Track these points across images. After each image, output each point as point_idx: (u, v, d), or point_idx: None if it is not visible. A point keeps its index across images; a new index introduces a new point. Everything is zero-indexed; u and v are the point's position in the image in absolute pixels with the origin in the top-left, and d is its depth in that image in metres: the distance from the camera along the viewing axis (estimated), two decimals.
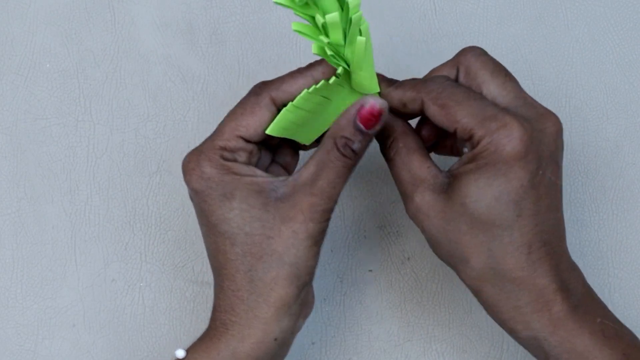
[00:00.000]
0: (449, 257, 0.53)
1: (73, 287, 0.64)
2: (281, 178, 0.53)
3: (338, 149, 0.52)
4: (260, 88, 0.53)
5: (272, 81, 0.53)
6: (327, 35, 0.50)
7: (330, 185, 0.52)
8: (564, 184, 0.63)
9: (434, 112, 0.51)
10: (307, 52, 0.64)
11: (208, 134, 0.54)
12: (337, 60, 0.51)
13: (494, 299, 0.52)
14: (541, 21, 0.65)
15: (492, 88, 0.52)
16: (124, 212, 0.64)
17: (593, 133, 0.64)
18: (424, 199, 0.52)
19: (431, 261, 0.64)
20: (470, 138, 0.51)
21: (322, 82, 0.51)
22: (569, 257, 0.53)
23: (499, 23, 0.65)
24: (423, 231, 0.53)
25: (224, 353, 0.52)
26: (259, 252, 0.52)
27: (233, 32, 0.66)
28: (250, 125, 0.53)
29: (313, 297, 0.56)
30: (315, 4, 0.49)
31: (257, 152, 0.54)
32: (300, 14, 0.50)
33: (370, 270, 0.64)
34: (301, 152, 0.58)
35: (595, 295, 0.54)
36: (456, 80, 0.53)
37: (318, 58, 0.53)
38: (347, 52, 0.51)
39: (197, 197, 0.53)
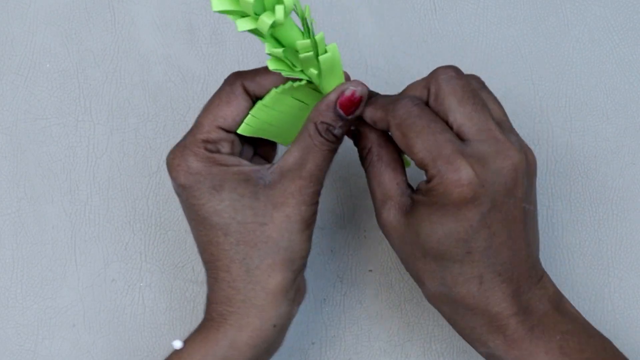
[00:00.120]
0: (410, 273, 0.54)
1: (73, 287, 0.64)
2: (266, 166, 0.53)
3: (321, 134, 0.52)
4: (234, 78, 0.54)
5: (246, 72, 0.54)
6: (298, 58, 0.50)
7: (317, 168, 0.53)
8: (563, 184, 0.63)
9: (397, 137, 0.52)
10: None
11: None
12: (297, 74, 0.51)
13: (450, 318, 0.54)
14: (541, 21, 0.65)
15: (457, 117, 0.51)
16: (124, 212, 0.64)
17: (593, 133, 0.64)
18: (389, 216, 0.53)
19: None
20: (425, 170, 0.51)
21: (288, 83, 0.52)
22: (536, 273, 0.53)
23: (499, 23, 0.65)
24: (390, 244, 0.54)
25: (222, 343, 0.52)
26: (253, 239, 0.52)
27: (233, 32, 0.66)
28: (228, 115, 0.53)
29: (305, 284, 0.56)
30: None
31: (239, 143, 0.54)
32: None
33: (370, 270, 0.64)
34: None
35: (564, 308, 0.54)
36: (427, 101, 0.53)
37: None
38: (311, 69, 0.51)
39: (185, 193, 0.53)
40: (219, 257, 0.53)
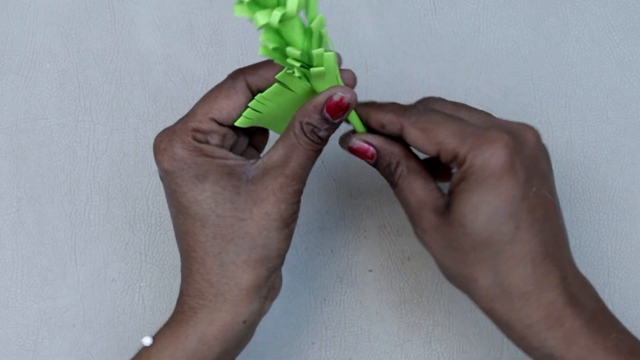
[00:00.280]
0: (458, 278, 0.53)
1: (73, 287, 0.64)
2: (251, 161, 0.53)
3: (305, 134, 0.52)
4: (237, 73, 0.54)
5: (249, 67, 0.54)
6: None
7: (300, 167, 0.52)
8: (563, 184, 0.63)
9: (415, 135, 0.52)
10: None
11: None
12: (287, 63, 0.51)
13: (506, 318, 0.52)
14: (541, 21, 0.65)
15: (461, 115, 0.53)
16: (124, 212, 0.64)
17: (593, 133, 0.64)
18: (430, 222, 0.52)
19: (431, 261, 0.63)
20: (455, 158, 0.51)
21: (283, 72, 0.52)
22: (577, 271, 0.53)
23: (499, 23, 0.65)
24: (431, 254, 0.53)
25: (191, 337, 0.52)
26: (230, 234, 0.52)
27: (233, 32, 0.66)
28: (224, 108, 0.53)
29: (281, 281, 0.56)
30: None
31: (233, 136, 0.54)
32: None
33: (370, 270, 0.64)
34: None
35: (609, 310, 0.53)
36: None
37: None
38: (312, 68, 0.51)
39: (168, 178, 0.53)
40: (195, 249, 0.53)
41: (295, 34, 0.49)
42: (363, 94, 0.64)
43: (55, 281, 0.64)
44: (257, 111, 0.53)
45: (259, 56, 0.66)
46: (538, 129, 0.53)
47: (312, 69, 0.50)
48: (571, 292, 0.51)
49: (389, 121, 0.53)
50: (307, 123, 0.52)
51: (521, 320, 0.51)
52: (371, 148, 0.54)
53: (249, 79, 0.53)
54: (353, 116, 0.54)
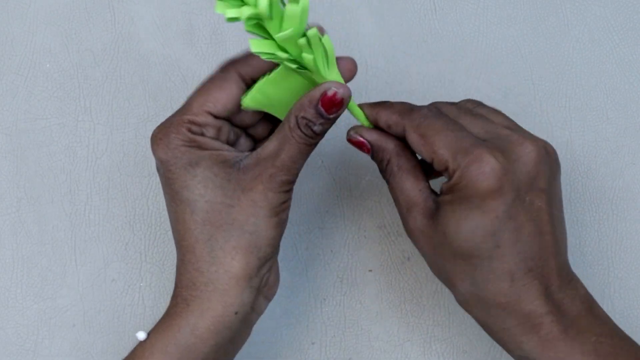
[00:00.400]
0: (440, 278, 0.54)
1: (73, 287, 0.64)
2: (245, 153, 0.54)
3: (300, 128, 0.52)
4: (228, 65, 0.54)
5: (240, 57, 0.54)
6: (285, 51, 0.51)
7: (291, 160, 0.53)
8: (563, 184, 0.63)
9: (414, 140, 0.53)
10: None
11: None
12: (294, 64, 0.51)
13: (483, 321, 0.53)
14: (541, 21, 0.65)
15: (465, 123, 0.53)
16: (124, 212, 0.64)
17: (593, 133, 0.64)
18: (416, 222, 0.53)
19: None
20: (446, 169, 0.51)
21: (282, 66, 0.52)
22: (567, 273, 0.53)
23: (499, 23, 0.65)
24: (419, 251, 0.54)
25: (184, 330, 0.52)
26: (219, 220, 0.52)
27: (233, 32, 0.66)
28: (219, 100, 0.53)
29: (277, 279, 0.56)
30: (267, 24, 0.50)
31: (228, 130, 0.55)
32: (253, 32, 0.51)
33: (370, 270, 0.64)
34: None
35: (596, 310, 0.53)
36: None
37: None
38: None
39: (163, 167, 0.53)
40: (185, 236, 0.53)
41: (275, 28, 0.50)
42: (363, 94, 0.64)
43: (55, 281, 0.64)
44: (263, 92, 0.53)
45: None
46: (543, 141, 0.53)
47: (303, 54, 0.51)
48: (553, 301, 0.52)
49: (394, 122, 0.54)
50: (302, 117, 0.52)
51: (497, 324, 0.52)
52: (366, 142, 0.54)
53: (240, 69, 0.53)
54: (358, 112, 0.55)
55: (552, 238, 0.52)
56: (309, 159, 0.54)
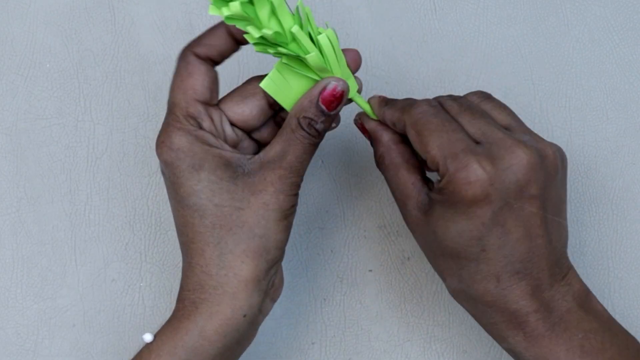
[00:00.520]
0: (434, 269, 0.55)
1: (73, 287, 0.64)
2: (247, 156, 0.54)
3: (303, 128, 0.53)
4: (183, 52, 0.54)
5: (192, 41, 0.54)
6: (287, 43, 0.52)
7: (298, 160, 0.53)
8: None
9: (412, 137, 0.53)
10: None
11: None
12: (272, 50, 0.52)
13: (472, 313, 0.55)
14: (541, 21, 0.65)
15: (464, 122, 0.53)
16: (124, 212, 0.64)
17: (593, 133, 0.64)
18: (411, 215, 0.54)
19: None
20: (437, 169, 0.52)
21: (285, 59, 0.53)
22: (559, 270, 0.53)
23: (499, 23, 0.65)
24: (415, 241, 0.56)
25: (192, 332, 0.52)
26: (229, 224, 0.52)
27: None
28: (196, 85, 0.53)
29: (282, 280, 0.56)
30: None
31: (222, 119, 0.54)
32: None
33: (370, 270, 0.64)
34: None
35: (591, 303, 0.53)
36: None
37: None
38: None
39: (167, 170, 0.53)
40: (194, 240, 0.53)
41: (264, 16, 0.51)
42: (363, 94, 0.64)
43: (55, 281, 0.64)
44: (281, 74, 0.53)
45: (258, 56, 0.66)
46: (541, 148, 0.52)
47: (307, 56, 0.51)
48: (541, 299, 0.52)
49: (397, 119, 0.54)
50: (304, 117, 0.53)
51: (484, 318, 0.53)
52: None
53: (197, 51, 0.53)
54: (365, 105, 0.55)
55: (545, 240, 0.52)
56: None
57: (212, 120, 0.54)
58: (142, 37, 0.66)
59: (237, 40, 0.54)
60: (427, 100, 0.54)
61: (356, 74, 0.55)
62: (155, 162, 0.65)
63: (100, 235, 0.64)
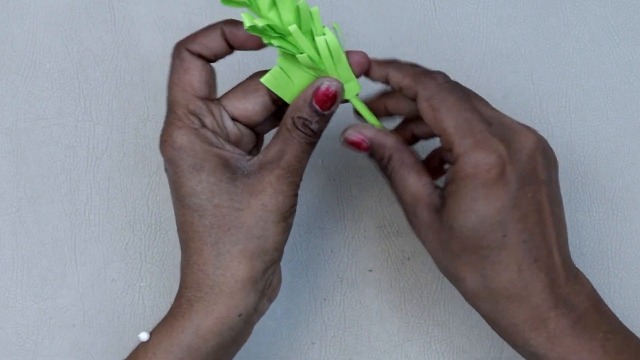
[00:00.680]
0: (448, 274, 0.54)
1: (73, 287, 0.64)
2: (247, 157, 0.54)
3: (298, 128, 0.53)
4: (177, 48, 0.54)
5: (187, 37, 0.54)
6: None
7: (295, 160, 0.53)
8: (563, 184, 0.63)
9: (425, 110, 0.52)
10: None
11: None
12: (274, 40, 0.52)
13: (492, 316, 0.53)
14: (541, 21, 0.65)
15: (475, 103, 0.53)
16: (124, 212, 0.64)
17: (593, 133, 0.64)
18: (422, 218, 0.53)
19: (431, 261, 0.64)
20: (451, 150, 0.51)
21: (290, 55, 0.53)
22: (571, 268, 0.53)
23: (499, 23, 0.65)
24: (425, 247, 0.54)
25: (187, 330, 0.52)
26: (227, 224, 0.52)
27: None
28: (193, 81, 0.53)
29: (280, 280, 0.56)
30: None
31: (221, 114, 0.54)
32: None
33: (370, 270, 0.64)
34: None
35: (602, 306, 0.53)
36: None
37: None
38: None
39: (170, 168, 0.53)
40: (193, 238, 0.53)
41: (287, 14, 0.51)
42: (363, 94, 0.64)
43: (55, 281, 0.64)
44: (282, 69, 0.53)
45: (258, 55, 0.66)
46: (541, 135, 0.53)
47: (297, 55, 0.51)
48: (559, 295, 0.51)
49: (406, 86, 0.53)
50: (299, 117, 0.52)
51: (506, 319, 0.52)
52: (366, 140, 0.54)
53: (190, 48, 0.53)
54: (362, 108, 0.55)
55: (554, 230, 0.52)
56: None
57: (213, 115, 0.54)
58: (142, 37, 0.66)
59: (231, 45, 0.54)
60: (441, 73, 0.53)
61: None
62: (155, 162, 0.65)
63: (100, 235, 0.64)
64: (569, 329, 0.51)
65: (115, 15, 0.66)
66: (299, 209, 0.63)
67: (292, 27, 0.51)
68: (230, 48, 0.54)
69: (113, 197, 0.64)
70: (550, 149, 0.53)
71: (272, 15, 0.51)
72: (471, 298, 0.53)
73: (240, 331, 0.54)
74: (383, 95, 0.57)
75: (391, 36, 0.65)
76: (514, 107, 0.64)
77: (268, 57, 0.65)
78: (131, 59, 0.66)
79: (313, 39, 0.52)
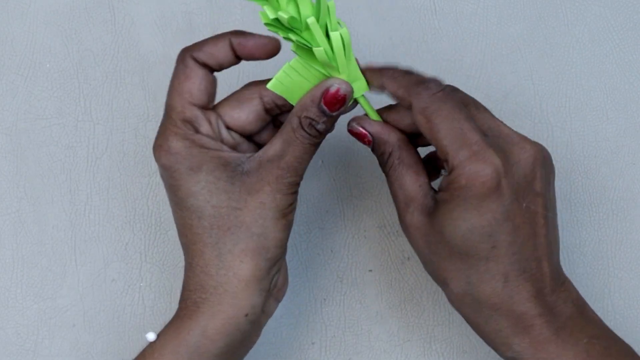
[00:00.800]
0: (433, 275, 0.54)
1: (73, 287, 0.64)
2: (247, 155, 0.53)
3: (303, 128, 0.52)
4: (183, 53, 0.54)
5: (193, 45, 0.54)
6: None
7: (297, 161, 0.53)
8: (563, 184, 0.63)
9: (420, 121, 0.51)
10: None
11: None
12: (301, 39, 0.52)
13: (475, 321, 0.53)
14: (541, 21, 0.65)
15: (472, 112, 0.53)
16: (124, 212, 0.64)
17: (593, 133, 0.64)
18: (413, 219, 0.53)
19: None
20: (446, 160, 0.51)
21: (298, 57, 0.53)
22: (558, 276, 0.53)
23: (499, 23, 0.65)
24: (412, 247, 0.54)
25: (194, 332, 0.52)
26: (226, 224, 0.52)
27: None
28: (192, 89, 0.53)
29: (286, 281, 0.56)
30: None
31: (217, 121, 0.54)
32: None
33: (370, 270, 0.64)
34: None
35: (588, 311, 0.53)
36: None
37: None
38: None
39: (166, 173, 0.53)
40: (193, 241, 0.53)
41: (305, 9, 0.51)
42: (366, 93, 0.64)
43: (55, 281, 0.64)
44: (288, 76, 0.53)
45: (259, 63, 0.66)
46: (541, 145, 0.52)
47: (314, 48, 0.51)
48: (545, 303, 0.52)
49: (401, 97, 0.52)
50: (305, 117, 0.52)
51: (489, 325, 0.52)
52: (368, 135, 0.54)
53: (195, 56, 0.53)
54: (369, 108, 0.55)
55: (546, 241, 0.52)
56: None
57: (210, 124, 0.54)
58: (142, 37, 0.66)
59: (238, 55, 0.53)
60: (434, 82, 0.52)
61: None
62: (155, 162, 0.65)
63: (100, 235, 0.64)
64: (553, 334, 0.51)
65: (115, 15, 0.66)
66: (299, 209, 0.63)
67: (310, 19, 0.51)
68: (237, 58, 0.54)
69: (113, 197, 0.64)
70: (550, 158, 0.53)
71: (291, 9, 0.51)
72: (455, 302, 0.53)
73: (247, 332, 0.54)
74: (386, 108, 0.56)
75: (391, 36, 0.65)
76: (514, 107, 0.64)
77: (269, 65, 0.65)
78: (131, 59, 0.66)
79: (326, 36, 0.52)
